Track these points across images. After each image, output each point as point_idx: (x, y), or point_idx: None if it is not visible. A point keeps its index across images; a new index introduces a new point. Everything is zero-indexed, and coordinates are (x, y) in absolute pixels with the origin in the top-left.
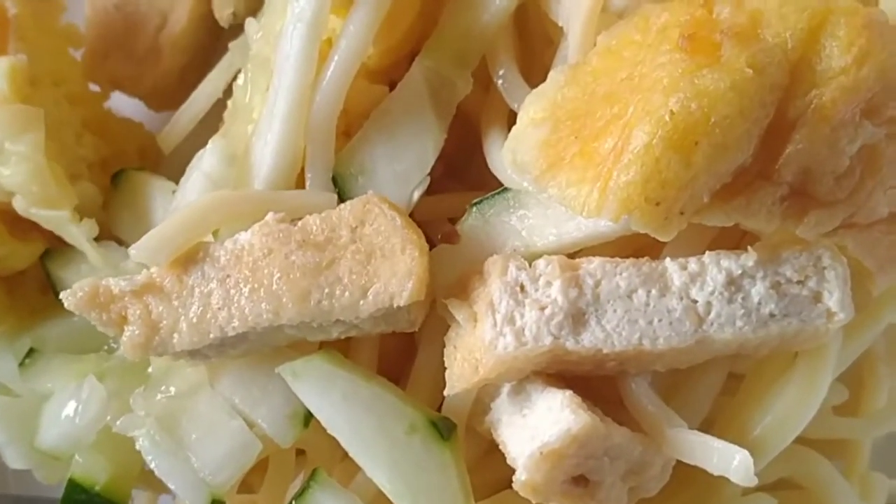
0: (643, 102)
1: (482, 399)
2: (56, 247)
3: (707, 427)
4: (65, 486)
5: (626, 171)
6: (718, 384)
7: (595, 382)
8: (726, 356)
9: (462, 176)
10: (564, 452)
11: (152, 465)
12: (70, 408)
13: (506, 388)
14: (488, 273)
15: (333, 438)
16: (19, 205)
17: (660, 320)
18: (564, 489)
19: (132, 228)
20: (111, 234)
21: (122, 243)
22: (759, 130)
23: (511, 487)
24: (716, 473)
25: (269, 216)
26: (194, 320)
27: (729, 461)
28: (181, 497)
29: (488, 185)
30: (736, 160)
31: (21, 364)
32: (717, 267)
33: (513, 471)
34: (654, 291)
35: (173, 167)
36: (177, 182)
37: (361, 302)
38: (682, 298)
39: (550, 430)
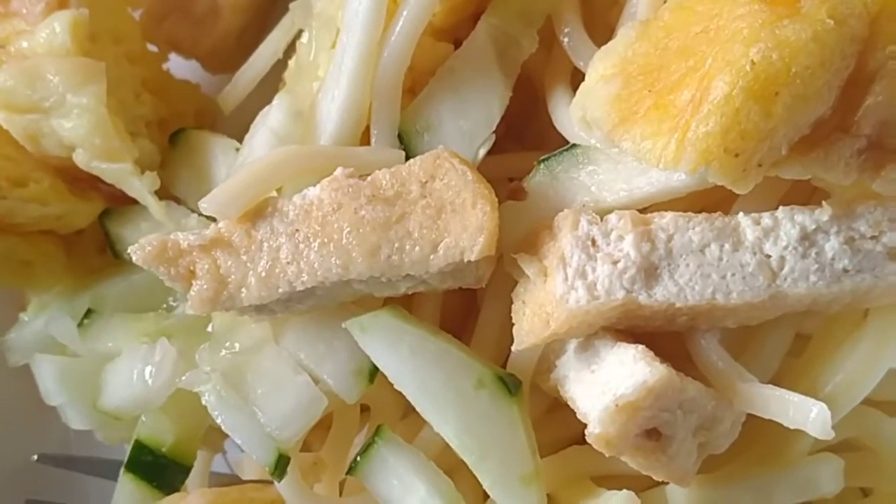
0: (722, 53)
1: (547, 356)
2: (115, 206)
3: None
4: (131, 447)
5: (705, 122)
6: (787, 341)
7: (663, 339)
8: (796, 313)
9: (522, 137)
10: (639, 405)
11: (219, 420)
12: (140, 369)
13: (572, 345)
14: (558, 228)
15: (398, 395)
16: (80, 159)
17: (733, 275)
18: (637, 443)
19: (192, 187)
20: (169, 195)
21: (181, 203)
22: (838, 82)
23: (574, 445)
24: (792, 427)
25: (339, 171)
26: (263, 275)
27: (806, 414)
28: (248, 451)
29: (548, 145)
30: (815, 111)
31: (80, 324)
32: (790, 222)
33: (575, 429)
34: (727, 246)
35: (232, 128)
36: (238, 141)
37: (432, 256)
38: (755, 253)
39: (625, 382)
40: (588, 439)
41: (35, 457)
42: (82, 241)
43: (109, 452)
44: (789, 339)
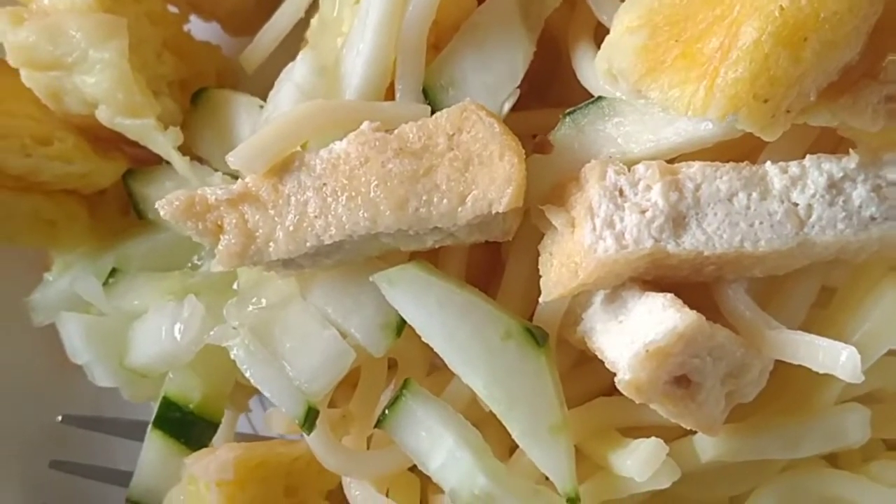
0: (750, 0)
1: (573, 310)
2: (138, 167)
3: None
4: (158, 404)
5: (734, 69)
6: (814, 291)
7: (689, 291)
8: (823, 263)
9: (544, 94)
10: (670, 351)
11: (248, 374)
12: (169, 326)
13: (599, 297)
14: (585, 179)
15: (424, 349)
16: (103, 115)
17: (761, 223)
18: (666, 390)
19: (215, 147)
20: (192, 155)
21: (204, 163)
22: (867, 28)
23: (600, 397)
24: (821, 371)
25: (365, 125)
26: (291, 229)
27: (835, 358)
28: (278, 405)
29: (571, 102)
30: (844, 58)
31: (105, 284)
32: (817, 170)
33: (601, 382)
34: (754, 195)
35: (254, 88)
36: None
37: (460, 209)
38: (783, 201)
39: (654, 329)
40: (618, 387)
41: (59, 417)
42: (105, 201)
43: (134, 414)
44: (816, 288)
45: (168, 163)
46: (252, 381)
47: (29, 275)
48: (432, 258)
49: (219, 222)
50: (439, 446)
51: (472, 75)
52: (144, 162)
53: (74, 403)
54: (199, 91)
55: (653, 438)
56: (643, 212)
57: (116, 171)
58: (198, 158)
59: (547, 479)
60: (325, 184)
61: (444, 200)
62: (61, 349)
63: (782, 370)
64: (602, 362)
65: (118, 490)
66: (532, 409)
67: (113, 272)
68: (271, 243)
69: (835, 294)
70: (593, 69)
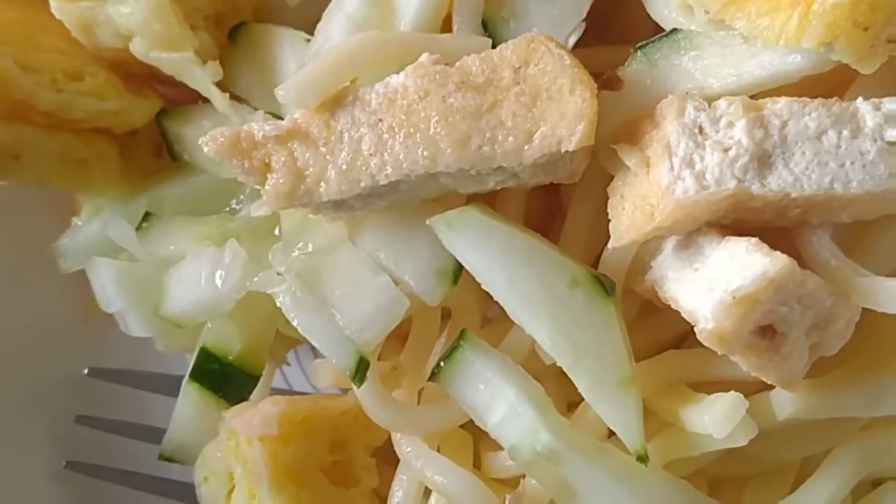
0: None
1: (641, 257)
2: (173, 106)
3: None
4: (195, 355)
5: None
6: None
7: (767, 237)
8: None
9: (603, 32)
10: (759, 297)
11: (295, 323)
12: (209, 272)
13: (670, 244)
14: (662, 116)
15: (479, 299)
16: (138, 48)
17: (852, 163)
18: (750, 341)
19: (255, 84)
20: (230, 93)
21: (242, 102)
22: None
23: (669, 350)
24: None
25: (424, 57)
26: (343, 167)
27: None
28: (327, 355)
29: (633, 39)
30: None
31: (137, 228)
32: None
33: (667, 334)
34: (845, 133)
35: (296, 21)
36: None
37: (526, 147)
38: (875, 140)
39: (741, 274)
40: (699, 337)
41: (86, 371)
42: (138, 143)
43: (163, 368)
44: None
45: (205, 102)
46: (300, 330)
47: (54, 221)
48: (489, 202)
49: (266, 160)
50: (499, 400)
51: (535, 7)
52: (179, 103)
53: (102, 356)
54: (237, 26)
55: (732, 392)
56: (726, 150)
57: (150, 109)
58: (236, 98)
59: (610, 436)
60: (380, 119)
61: (510, 138)
62: (88, 298)
63: (864, 324)
64: (668, 314)
65: (148, 447)
66: (600, 361)
67: (146, 216)
68: (322, 183)
69: None
70: (664, 0)
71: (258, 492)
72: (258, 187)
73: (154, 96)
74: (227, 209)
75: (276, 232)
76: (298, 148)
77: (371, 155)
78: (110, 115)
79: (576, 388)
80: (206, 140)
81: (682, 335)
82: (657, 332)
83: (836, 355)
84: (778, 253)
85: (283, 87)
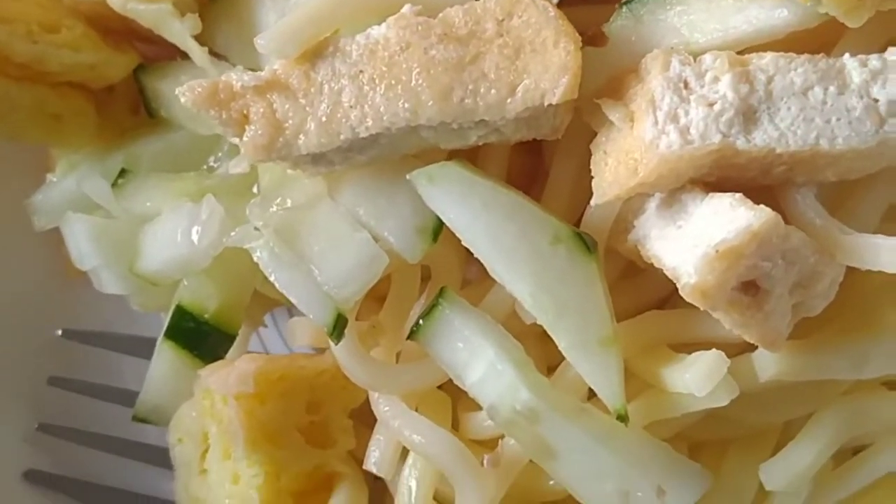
0: None
1: (624, 216)
2: (151, 62)
3: None
4: (171, 313)
5: None
6: (887, 199)
7: (752, 195)
8: (895, 171)
9: None
10: (742, 251)
11: (272, 278)
12: (185, 228)
13: (653, 203)
14: (647, 70)
15: (461, 257)
16: (116, 0)
17: (838, 119)
18: (732, 297)
19: (234, 40)
20: (210, 50)
21: (221, 58)
22: None
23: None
24: None
25: (406, 8)
26: (323, 119)
27: None
28: (305, 311)
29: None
30: None
31: (113, 185)
32: None
33: (649, 295)
34: (831, 89)
35: None
36: None
37: (509, 100)
38: (862, 97)
39: (725, 228)
40: (682, 293)
41: (60, 332)
42: (114, 99)
43: (139, 331)
44: (888, 196)
45: (183, 58)
46: (277, 285)
47: (28, 177)
48: (471, 159)
49: (244, 111)
50: (478, 358)
51: None
52: (157, 60)
53: (76, 317)
54: None
55: (713, 350)
56: (710, 105)
57: (128, 64)
58: (215, 55)
59: (591, 398)
60: (361, 71)
61: (493, 90)
62: (62, 258)
63: (848, 285)
64: (651, 275)
65: (122, 410)
66: (582, 319)
67: (122, 173)
68: (301, 135)
69: None
70: None
71: (233, 451)
72: (236, 140)
73: (132, 51)
74: (205, 166)
75: (255, 189)
76: (277, 99)
77: (351, 107)
78: (86, 68)
79: (556, 351)
80: (184, 90)
81: (665, 297)
82: (640, 293)
83: (820, 317)
84: (762, 206)
85: (262, 36)
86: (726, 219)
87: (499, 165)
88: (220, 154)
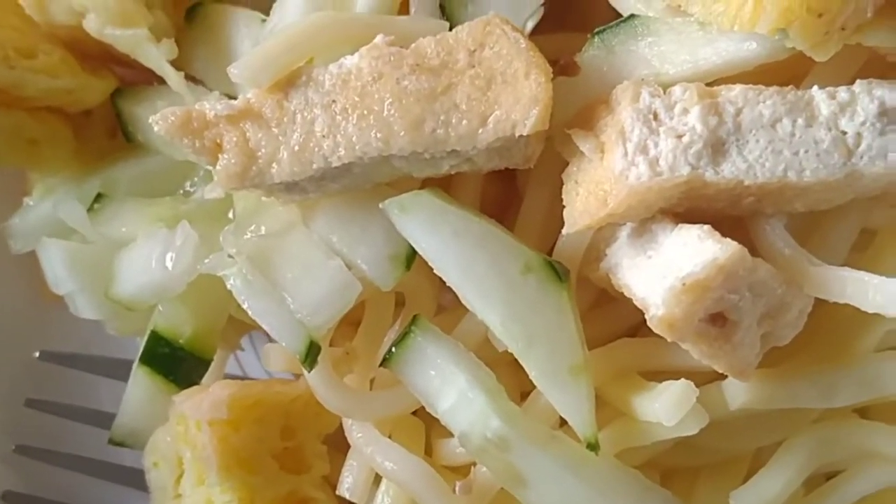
0: None
1: (596, 245)
2: (128, 86)
3: None
4: (146, 339)
5: None
6: (856, 230)
7: (721, 226)
8: (864, 200)
9: (562, 17)
10: (709, 284)
11: (245, 306)
12: (160, 254)
13: (625, 232)
14: (617, 101)
15: (434, 285)
16: (92, 25)
17: (806, 151)
18: (700, 329)
19: (211, 65)
20: (186, 75)
21: (198, 83)
22: None
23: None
24: (871, 311)
25: (379, 38)
26: (296, 149)
27: (888, 296)
28: (277, 338)
29: (590, 26)
30: None
31: (89, 209)
32: (868, 96)
33: (621, 324)
34: (800, 121)
35: (253, 2)
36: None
37: (480, 130)
38: (830, 129)
39: (692, 261)
40: (650, 324)
41: (37, 354)
42: (91, 123)
43: (116, 353)
44: (857, 227)
45: (160, 83)
46: (250, 313)
47: (5, 200)
48: (444, 187)
49: (218, 140)
50: (450, 386)
51: None
52: (134, 84)
53: (53, 339)
54: (193, 6)
55: (682, 380)
56: (679, 136)
57: (105, 88)
58: (192, 79)
59: (562, 425)
60: (334, 101)
61: (464, 121)
62: (40, 280)
63: (818, 315)
64: (623, 303)
65: (99, 432)
66: (552, 348)
67: (98, 197)
68: (274, 164)
69: (875, 236)
70: None
71: (207, 477)
72: (209, 168)
73: (109, 76)
74: (181, 191)
75: (230, 215)
76: (251, 128)
77: (324, 136)
78: (64, 93)
79: (528, 379)
80: (157, 119)
81: (636, 325)
82: (611, 322)
83: (790, 346)
84: (728, 240)
85: (236, 65)
86: (694, 251)
87: (471, 194)
88: (195, 178)
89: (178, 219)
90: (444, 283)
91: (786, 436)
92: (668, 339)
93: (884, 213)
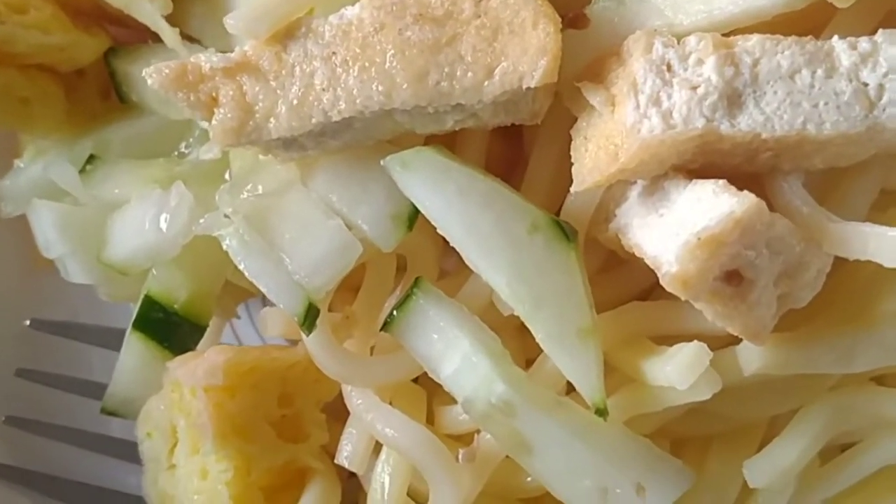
0: None
1: (605, 205)
2: (121, 45)
3: None
4: (139, 304)
5: None
6: (876, 187)
7: (737, 184)
8: (886, 156)
9: None
10: (724, 239)
11: (242, 266)
12: (154, 216)
13: (635, 191)
14: (629, 52)
15: (437, 246)
16: None
17: (826, 103)
18: (715, 287)
19: (206, 22)
20: (181, 33)
21: (194, 42)
22: None
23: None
24: (893, 266)
25: None
26: (294, 102)
27: None
28: (275, 300)
29: None
30: None
31: (82, 171)
32: (891, 46)
33: (631, 287)
34: (819, 72)
35: None
36: None
37: (486, 83)
38: (851, 80)
39: (707, 215)
40: (662, 282)
41: (28, 322)
42: (84, 84)
43: (110, 321)
44: (878, 184)
45: (155, 41)
46: (246, 274)
47: None
48: (448, 146)
49: (213, 94)
50: (453, 350)
51: None
52: (128, 43)
53: (45, 307)
54: None
55: (695, 342)
56: (694, 88)
57: (98, 46)
58: (188, 38)
59: (569, 392)
60: (334, 53)
61: (469, 73)
62: (31, 247)
63: (837, 277)
64: (633, 266)
65: (91, 403)
66: (559, 309)
67: (91, 159)
68: (272, 119)
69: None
70: None
71: (202, 445)
72: (205, 123)
73: (102, 34)
74: (176, 153)
75: (227, 176)
76: (248, 82)
77: (324, 90)
78: (56, 50)
79: (535, 344)
80: (151, 72)
81: (648, 289)
82: (621, 286)
83: (807, 310)
84: (746, 192)
85: (232, 15)
86: (709, 206)
87: (477, 152)
88: (191, 139)
89: (173, 180)
90: (447, 246)
91: (802, 403)
92: (682, 298)
93: None
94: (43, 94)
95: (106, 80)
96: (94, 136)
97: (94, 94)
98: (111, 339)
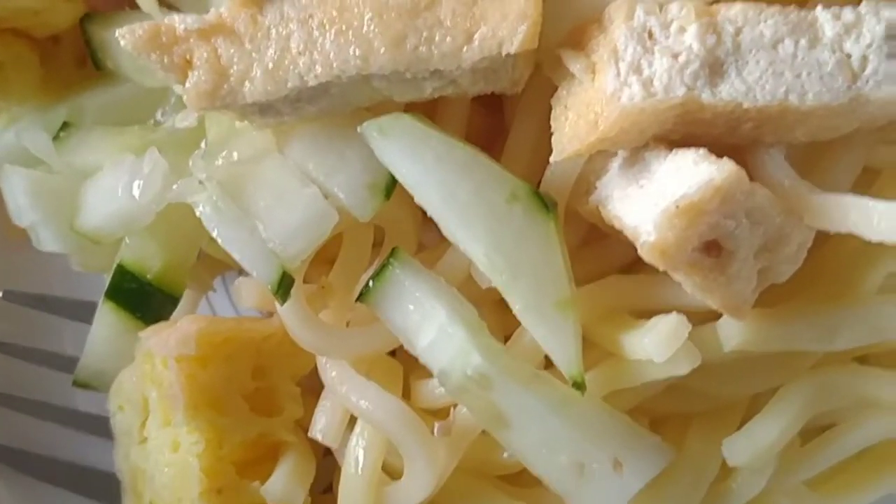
0: None
1: (586, 177)
2: (98, 11)
3: None
4: (112, 273)
5: None
6: (859, 163)
7: (718, 154)
8: (869, 131)
9: None
10: (704, 207)
11: (215, 234)
12: (127, 183)
13: (616, 163)
14: (610, 20)
15: (415, 217)
16: None
17: (809, 74)
18: (694, 258)
19: None
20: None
21: (172, 9)
22: None
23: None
24: (876, 239)
25: None
26: (270, 66)
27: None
28: (248, 268)
29: None
30: None
31: (55, 138)
32: (875, 17)
33: (611, 261)
34: (802, 42)
35: None
36: None
37: (465, 48)
38: (834, 51)
39: (687, 183)
40: (640, 252)
41: (1, 293)
42: (59, 51)
43: (84, 294)
44: (861, 160)
45: (132, 7)
46: (220, 241)
47: None
48: (428, 115)
49: (188, 56)
50: (429, 321)
51: None
52: (105, 9)
53: (18, 279)
54: None
55: (674, 314)
56: (675, 56)
57: (73, 12)
58: (166, 5)
59: (547, 367)
60: (311, 15)
61: (448, 38)
62: (5, 218)
63: (819, 254)
64: (614, 240)
65: (63, 376)
66: (538, 281)
67: (64, 126)
68: (247, 82)
69: (879, 176)
70: None
71: (173, 417)
72: (178, 87)
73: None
74: (152, 121)
75: (203, 145)
76: (222, 44)
77: (300, 53)
78: (30, 14)
79: (514, 319)
80: (123, 33)
81: (628, 265)
82: (601, 260)
83: (789, 286)
84: (726, 160)
85: None
86: (689, 174)
87: (457, 122)
88: (167, 107)
89: (148, 147)
90: (425, 219)
91: (783, 381)
92: (660, 269)
93: (889, 150)
94: (17, 59)
95: (82, 48)
96: (69, 103)
97: (70, 61)
98: (85, 312)
